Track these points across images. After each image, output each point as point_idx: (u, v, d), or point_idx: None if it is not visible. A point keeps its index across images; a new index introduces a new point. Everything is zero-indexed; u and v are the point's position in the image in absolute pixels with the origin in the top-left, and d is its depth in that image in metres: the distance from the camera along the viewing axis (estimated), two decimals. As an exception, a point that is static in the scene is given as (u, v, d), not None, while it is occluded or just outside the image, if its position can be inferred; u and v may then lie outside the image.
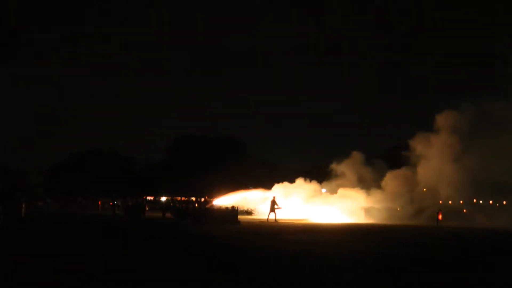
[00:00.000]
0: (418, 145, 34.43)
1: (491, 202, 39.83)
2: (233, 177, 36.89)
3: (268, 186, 35.67)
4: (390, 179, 34.31)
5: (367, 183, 34.44)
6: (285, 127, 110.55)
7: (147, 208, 38.24)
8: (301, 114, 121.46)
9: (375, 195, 33.73)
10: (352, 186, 34.07)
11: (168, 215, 31.84)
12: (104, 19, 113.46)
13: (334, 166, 36.60)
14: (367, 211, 33.04)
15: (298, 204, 34.17)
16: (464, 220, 30.62)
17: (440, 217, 29.56)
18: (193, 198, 60.33)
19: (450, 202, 35.30)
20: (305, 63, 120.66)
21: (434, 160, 33.33)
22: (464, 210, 36.83)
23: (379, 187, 34.41)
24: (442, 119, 33.90)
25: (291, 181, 36.13)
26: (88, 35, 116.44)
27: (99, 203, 47.76)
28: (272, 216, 27.47)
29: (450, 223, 28.72)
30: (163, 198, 61.35)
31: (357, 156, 36.24)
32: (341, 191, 34.02)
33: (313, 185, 35.64)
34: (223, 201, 33.81)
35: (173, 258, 10.01)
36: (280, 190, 34.77)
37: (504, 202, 37.39)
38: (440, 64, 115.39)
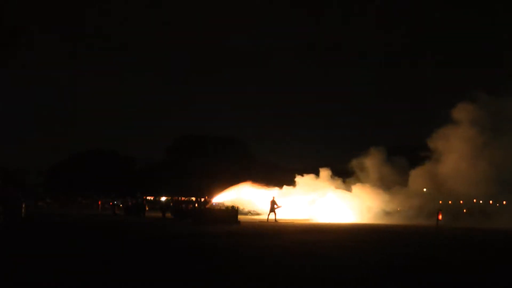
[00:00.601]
0: (438, 142, 32.89)
1: (491, 202, 39.68)
2: (233, 177, 36.91)
3: (268, 185, 35.10)
4: (415, 178, 33.08)
5: (387, 182, 33.29)
6: (285, 127, 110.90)
7: (147, 208, 38.25)
8: (301, 114, 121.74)
9: (397, 194, 32.60)
10: (373, 184, 32.99)
11: (168, 215, 31.85)
12: (104, 19, 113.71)
13: (355, 163, 35.33)
14: (386, 212, 32.05)
15: (318, 201, 32.94)
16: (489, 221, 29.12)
17: (440, 217, 29.34)
18: (193, 198, 60.33)
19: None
20: (305, 63, 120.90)
21: (454, 156, 31.93)
22: (464, 210, 36.67)
23: (401, 186, 33.35)
24: (458, 112, 32.38)
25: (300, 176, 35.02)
26: (88, 35, 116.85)
27: (99, 203, 47.83)
28: (272, 216, 27.46)
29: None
30: (163, 198, 61.36)
31: (377, 153, 34.92)
32: (356, 189, 32.90)
33: (336, 182, 34.51)
34: (222, 198, 33.51)
35: (173, 258, 10.00)
36: (303, 184, 33.90)
37: (504, 202, 37.21)
38: (440, 64, 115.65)
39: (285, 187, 35.10)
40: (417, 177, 33.09)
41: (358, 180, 34.05)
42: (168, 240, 14.57)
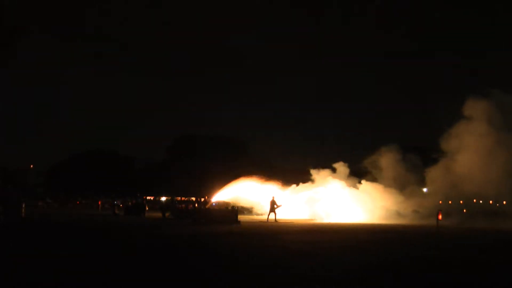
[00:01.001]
0: (451, 141, 31.40)
1: (491, 202, 39.57)
2: (232, 177, 36.85)
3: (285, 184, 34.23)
4: (432, 177, 32.01)
5: (402, 181, 32.28)
6: (285, 127, 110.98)
7: (147, 208, 38.26)
8: (301, 114, 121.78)
9: (412, 194, 31.77)
10: (387, 184, 32.11)
11: (168, 215, 31.84)
12: (104, 19, 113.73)
13: (368, 162, 33.99)
14: (399, 212, 31.06)
15: (328, 199, 31.77)
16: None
17: (440, 217, 29.22)
18: (193, 198, 60.37)
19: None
20: (305, 63, 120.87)
21: (467, 154, 30.60)
22: (464, 210, 36.50)
23: (416, 185, 32.61)
24: (470, 108, 31.03)
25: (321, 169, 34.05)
26: (88, 35, 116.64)
27: (99, 203, 47.83)
28: (272, 216, 27.41)
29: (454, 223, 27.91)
30: (163, 198, 61.39)
31: (391, 151, 33.61)
32: (368, 188, 32.01)
33: (351, 180, 33.54)
34: (220, 196, 33.15)
35: (173, 258, 10.01)
36: (319, 179, 32.95)
37: (504, 202, 37.07)
38: (440, 64, 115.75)
39: (301, 184, 34.24)
40: (434, 177, 31.94)
41: (374, 179, 33.11)
42: (168, 240, 14.57)
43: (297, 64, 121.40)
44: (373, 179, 33.07)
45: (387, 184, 32.23)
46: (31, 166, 67.53)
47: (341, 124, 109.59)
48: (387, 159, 33.27)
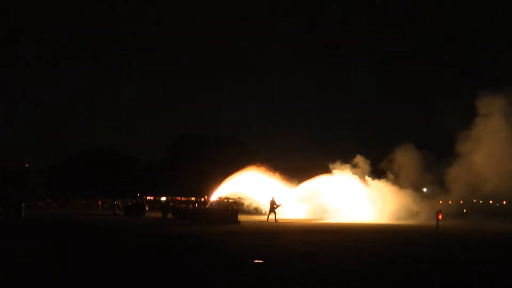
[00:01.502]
0: (468, 140, 30.64)
1: (491, 202, 39.52)
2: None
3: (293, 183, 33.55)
4: (454, 178, 31.14)
5: (419, 181, 31.89)
6: (285, 127, 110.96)
7: (147, 208, 38.24)
8: (301, 114, 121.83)
9: (432, 194, 31.40)
10: (404, 183, 31.43)
11: (168, 215, 31.83)
12: (104, 19, 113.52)
13: (385, 162, 33.40)
14: (414, 211, 30.37)
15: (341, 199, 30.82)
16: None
17: (440, 217, 29.00)
18: (193, 198, 60.38)
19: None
20: (305, 63, 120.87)
21: (483, 151, 29.92)
22: (464, 210, 36.43)
23: (432, 184, 32.31)
24: (485, 105, 30.35)
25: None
26: (88, 35, 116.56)
27: (99, 203, 47.81)
28: (272, 216, 27.40)
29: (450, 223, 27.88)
30: (163, 198, 61.35)
31: (407, 150, 32.85)
32: (373, 183, 31.21)
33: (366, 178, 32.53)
34: (219, 194, 32.88)
35: (172, 258, 10.01)
36: (338, 172, 31.99)
37: (504, 202, 36.98)
38: (440, 64, 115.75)
39: (315, 180, 33.42)
40: (455, 177, 30.75)
41: (392, 178, 32.53)
42: (168, 240, 14.57)
43: (297, 64, 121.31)
44: (391, 177, 32.45)
45: (403, 183, 31.48)
46: (26, 165, 67.28)
47: (341, 124, 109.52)
48: (404, 158, 32.58)
